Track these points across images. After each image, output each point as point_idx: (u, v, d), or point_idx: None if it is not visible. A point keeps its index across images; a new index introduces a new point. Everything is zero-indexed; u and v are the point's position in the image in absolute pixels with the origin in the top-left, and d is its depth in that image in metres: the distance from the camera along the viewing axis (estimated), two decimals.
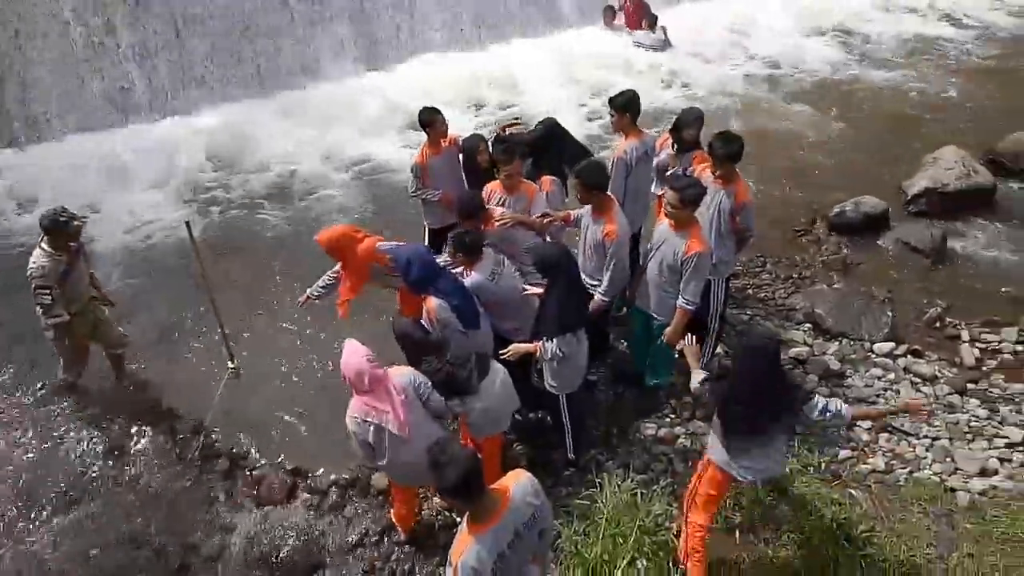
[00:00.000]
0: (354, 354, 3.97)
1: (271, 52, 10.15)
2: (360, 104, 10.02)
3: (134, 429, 5.42)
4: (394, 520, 4.59)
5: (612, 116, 5.66)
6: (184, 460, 5.20)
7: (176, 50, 9.50)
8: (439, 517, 4.71)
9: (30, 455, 5.27)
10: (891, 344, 5.96)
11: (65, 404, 5.60)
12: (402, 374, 4.08)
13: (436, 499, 4.73)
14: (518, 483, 3.14)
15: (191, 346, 6.16)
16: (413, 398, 4.02)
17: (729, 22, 12.58)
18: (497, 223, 5.04)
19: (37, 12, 8.60)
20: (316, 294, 5.28)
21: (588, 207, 5.04)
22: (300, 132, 9.40)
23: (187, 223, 5.54)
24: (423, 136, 6.08)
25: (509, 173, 5.19)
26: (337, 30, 10.57)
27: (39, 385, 5.74)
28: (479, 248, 4.70)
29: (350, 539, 4.66)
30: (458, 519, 3.60)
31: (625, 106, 5.51)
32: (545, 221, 5.08)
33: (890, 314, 6.20)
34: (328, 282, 5.21)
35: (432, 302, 4.48)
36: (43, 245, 5.09)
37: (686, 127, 5.58)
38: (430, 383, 4.11)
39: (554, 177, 5.55)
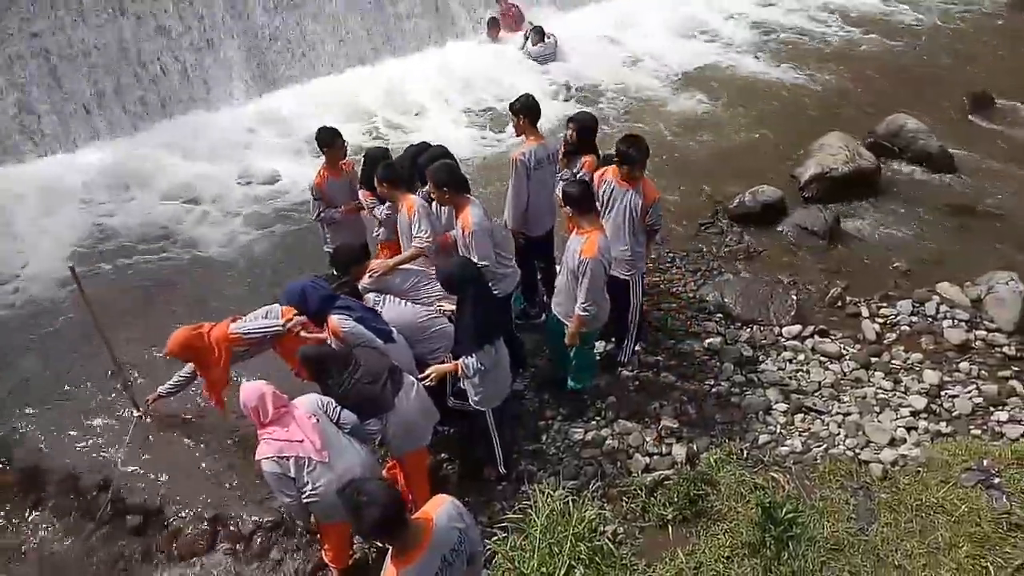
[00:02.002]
0: (252, 385, 3.87)
1: (156, 82, 9.66)
2: (254, 129, 9.69)
3: (31, 493, 5.03)
4: (327, 560, 4.42)
5: (512, 120, 5.69)
6: (93, 520, 4.85)
7: (53, 87, 8.96)
8: (372, 550, 4.57)
9: None
10: (798, 327, 6.20)
11: None
12: (306, 399, 3.98)
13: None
14: (441, 508, 3.07)
15: (88, 398, 5.75)
16: (324, 420, 3.92)
17: (607, 26, 12.85)
18: (368, 275, 5.01)
19: None
20: (166, 392, 5.32)
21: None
22: (191, 162, 8.96)
23: (71, 268, 5.23)
24: (321, 158, 5.96)
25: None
26: (224, 54, 10.18)
27: None
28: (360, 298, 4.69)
29: None
30: None
31: (522, 110, 5.56)
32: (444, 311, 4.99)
33: (794, 297, 6.46)
34: (180, 380, 5.26)
35: (333, 319, 4.37)
36: None
37: (568, 130, 5.71)
38: (336, 405, 4.01)
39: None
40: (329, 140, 5.82)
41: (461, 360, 4.42)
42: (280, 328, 4.86)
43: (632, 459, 5.14)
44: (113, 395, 5.65)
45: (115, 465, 5.11)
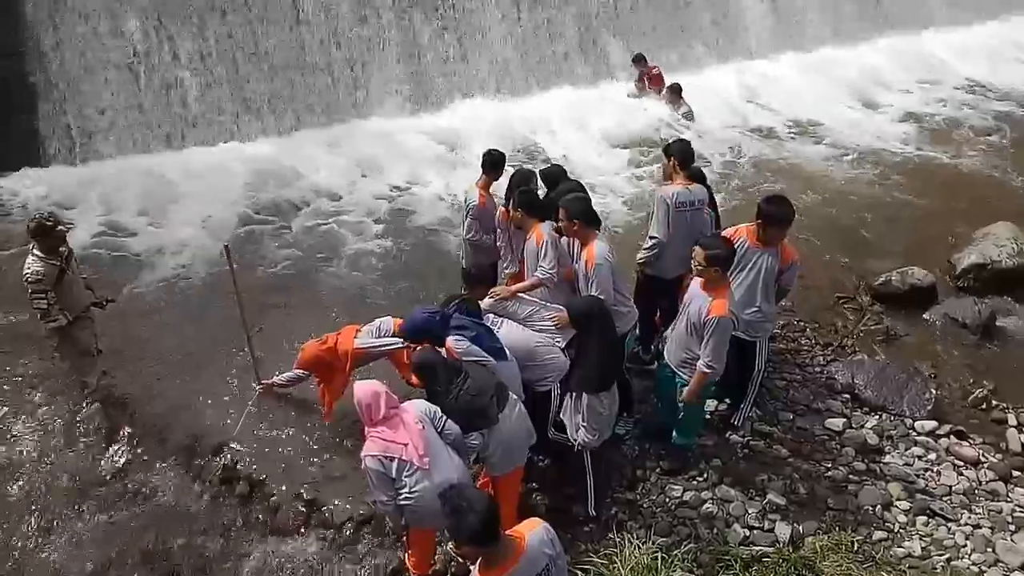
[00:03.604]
0: (368, 384, 4.00)
1: (324, 87, 10.45)
2: (406, 142, 10.20)
3: (157, 444, 5.42)
4: (409, 565, 4.47)
5: (662, 161, 5.69)
6: (204, 481, 5.18)
7: (233, 83, 9.86)
8: (452, 564, 4.59)
9: (52, 458, 5.31)
10: (933, 423, 5.74)
11: (91, 411, 5.64)
12: (415, 405, 4.07)
13: (450, 546, 4.62)
14: (534, 532, 3.07)
15: (222, 368, 6.15)
16: (429, 427, 4.00)
17: (747, 90, 12.64)
18: (490, 297, 5.08)
19: (104, 41, 9.05)
20: (280, 383, 5.63)
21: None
22: (345, 166, 9.59)
23: (226, 247, 5.64)
24: (463, 177, 6.12)
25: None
26: (387, 69, 10.85)
27: (83, 393, 5.79)
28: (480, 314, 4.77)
29: None
30: (472, 567, 3.51)
31: (676, 152, 5.59)
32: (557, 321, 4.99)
33: (933, 391, 5.99)
34: (295, 376, 5.54)
35: (449, 341, 4.46)
36: (35, 251, 5.23)
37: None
38: (443, 415, 4.08)
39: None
40: (499, 163, 5.98)
41: (571, 396, 4.41)
42: (400, 346, 5.06)
43: (730, 528, 4.90)
44: (238, 371, 6.00)
45: (232, 434, 5.42)
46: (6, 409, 5.71)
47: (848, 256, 7.84)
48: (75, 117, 9.07)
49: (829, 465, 5.37)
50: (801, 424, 5.72)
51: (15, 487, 5.12)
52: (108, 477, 5.22)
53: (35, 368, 6.04)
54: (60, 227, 5.32)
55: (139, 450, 5.41)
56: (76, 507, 4.99)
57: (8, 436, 5.49)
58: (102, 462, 5.33)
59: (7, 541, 4.78)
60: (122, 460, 5.33)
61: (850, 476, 5.30)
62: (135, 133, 9.39)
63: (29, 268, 5.18)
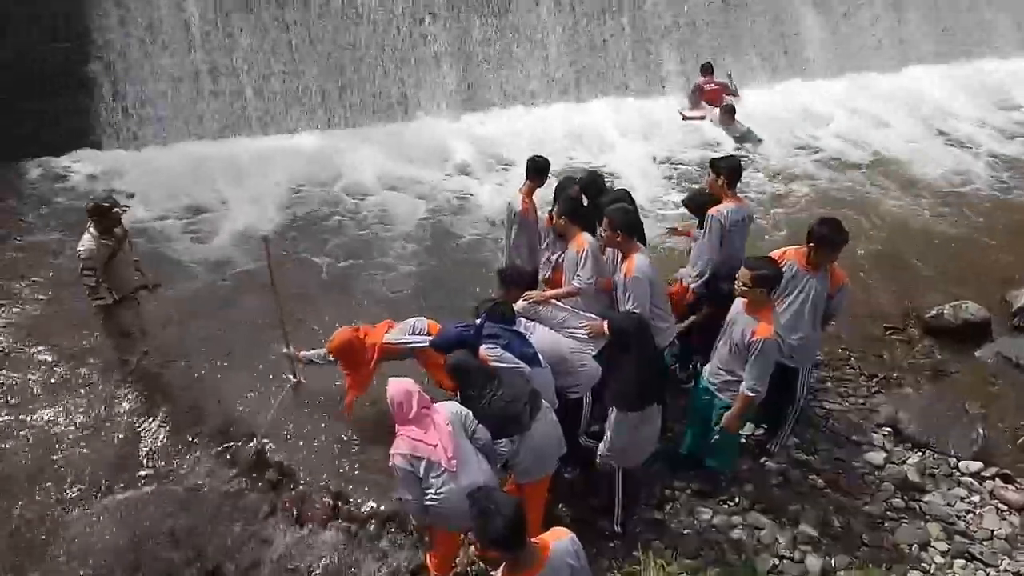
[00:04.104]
0: (402, 382, 4.00)
1: (374, 86, 10.62)
2: (452, 144, 10.28)
3: (191, 427, 5.52)
4: (430, 566, 4.45)
5: (710, 177, 5.59)
6: (234, 466, 5.25)
7: (288, 74, 10.07)
8: (473, 568, 4.57)
9: (91, 432, 5.46)
10: (979, 464, 5.52)
11: (130, 390, 5.77)
12: (447, 406, 4.06)
13: (472, 549, 4.59)
14: (559, 541, 3.04)
15: (258, 357, 6.23)
16: (459, 430, 3.98)
17: (809, 111, 12.40)
18: (524, 300, 5.05)
19: (164, 29, 9.35)
20: (307, 358, 5.58)
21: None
22: (391, 166, 9.70)
23: (264, 239, 5.72)
24: (507, 183, 6.11)
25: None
26: (439, 70, 10.94)
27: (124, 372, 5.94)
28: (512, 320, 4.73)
29: (381, 573, 4.58)
30: (493, 573, 3.48)
31: (725, 169, 5.46)
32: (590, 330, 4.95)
33: (981, 431, 5.76)
34: (323, 357, 5.47)
35: (482, 350, 4.43)
36: (91, 230, 5.44)
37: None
38: (474, 419, 4.07)
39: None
40: (543, 170, 5.96)
41: (611, 412, 4.39)
42: (425, 344, 5.04)
43: (759, 556, 4.77)
44: (273, 361, 6.06)
45: (264, 423, 5.47)
46: (52, 382, 5.89)
47: (901, 286, 7.61)
48: (132, 102, 9.38)
49: (867, 499, 5.20)
50: (840, 455, 5.56)
51: (55, 458, 5.26)
52: (142, 455, 5.33)
53: (82, 344, 6.22)
54: (116, 209, 5.51)
55: (173, 432, 5.51)
56: (109, 482, 5.10)
57: (52, 408, 5.65)
58: (137, 440, 5.45)
59: (42, 509, 4.90)
60: (156, 440, 5.45)
61: (888, 512, 5.13)
62: (188, 121, 9.67)
63: (83, 245, 5.39)
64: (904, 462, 5.55)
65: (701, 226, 5.57)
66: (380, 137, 10.25)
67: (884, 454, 5.59)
